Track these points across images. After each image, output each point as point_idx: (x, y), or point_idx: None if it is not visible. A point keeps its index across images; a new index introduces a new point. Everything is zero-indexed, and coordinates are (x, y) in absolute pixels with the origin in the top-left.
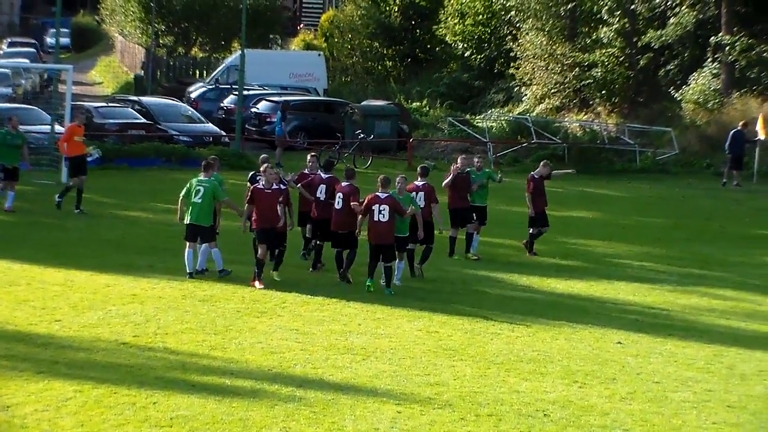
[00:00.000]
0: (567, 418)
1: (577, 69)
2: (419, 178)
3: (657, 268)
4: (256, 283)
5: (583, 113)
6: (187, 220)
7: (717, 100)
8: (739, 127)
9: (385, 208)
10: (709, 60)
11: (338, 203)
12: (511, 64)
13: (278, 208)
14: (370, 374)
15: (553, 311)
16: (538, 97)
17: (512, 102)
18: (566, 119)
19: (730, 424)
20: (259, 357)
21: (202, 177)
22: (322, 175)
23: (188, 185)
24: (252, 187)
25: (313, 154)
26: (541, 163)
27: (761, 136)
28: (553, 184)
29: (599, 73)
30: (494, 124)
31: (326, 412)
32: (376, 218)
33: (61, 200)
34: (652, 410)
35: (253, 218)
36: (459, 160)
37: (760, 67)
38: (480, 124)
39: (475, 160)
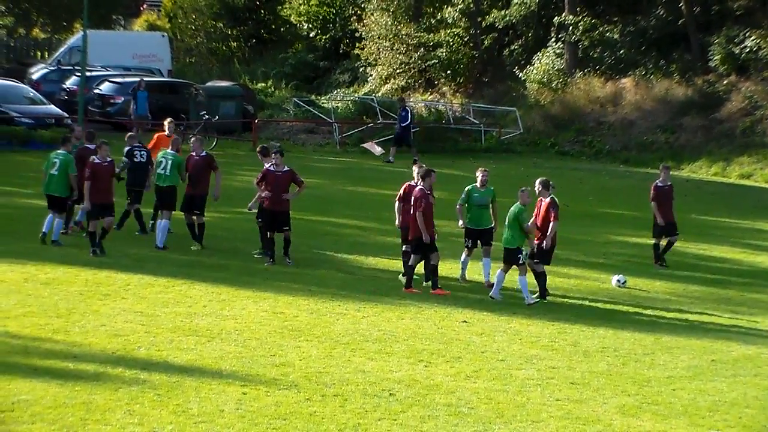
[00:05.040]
0: (413, 397)
1: (422, 49)
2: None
3: (501, 246)
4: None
5: (429, 93)
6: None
7: (561, 80)
8: (406, 105)
9: None
10: (553, 40)
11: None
12: (357, 45)
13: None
14: (216, 356)
15: (398, 291)
16: (383, 77)
17: (358, 82)
18: (411, 99)
19: (574, 400)
20: (102, 340)
21: (60, 150)
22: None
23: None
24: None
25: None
26: (661, 167)
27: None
28: (398, 165)
29: (444, 54)
30: (340, 104)
31: (171, 395)
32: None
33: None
34: (496, 388)
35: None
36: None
37: (602, 47)
38: (326, 105)
39: (479, 174)
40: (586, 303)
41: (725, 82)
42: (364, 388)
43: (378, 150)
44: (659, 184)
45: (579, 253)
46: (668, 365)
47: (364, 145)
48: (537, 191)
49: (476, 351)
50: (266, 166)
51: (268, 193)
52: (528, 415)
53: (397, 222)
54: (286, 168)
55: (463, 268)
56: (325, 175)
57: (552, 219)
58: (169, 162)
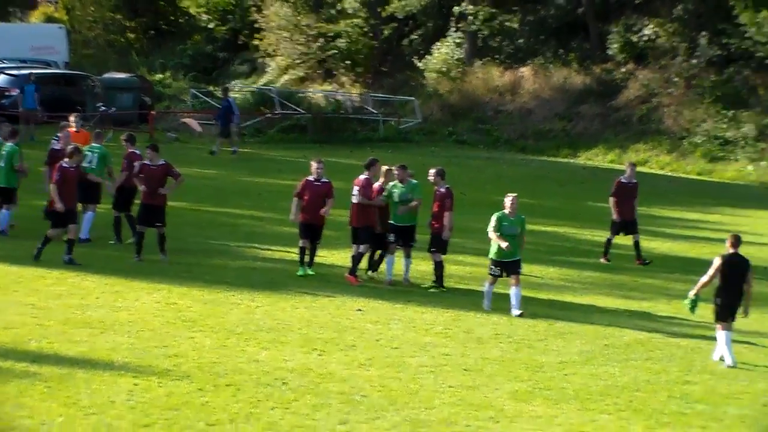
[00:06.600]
0: (306, 385)
1: (321, 40)
2: None
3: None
4: None
5: (328, 83)
6: None
7: (459, 69)
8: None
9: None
10: (453, 29)
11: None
12: (256, 36)
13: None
14: (108, 347)
15: (294, 281)
16: (282, 68)
17: (256, 73)
18: (310, 90)
19: (466, 386)
20: None
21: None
22: None
23: None
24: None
25: None
26: (627, 164)
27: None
28: (294, 154)
29: (343, 44)
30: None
31: (61, 387)
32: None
33: None
34: (390, 375)
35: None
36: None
37: (502, 36)
38: None
39: (393, 169)
40: (481, 290)
41: (623, 70)
42: (257, 378)
43: (196, 126)
44: (623, 181)
45: (474, 240)
46: (561, 351)
47: (185, 120)
48: (432, 180)
49: (370, 339)
50: (129, 150)
51: (144, 187)
52: (420, 401)
53: (291, 216)
54: (161, 161)
55: (389, 267)
56: (221, 166)
57: (447, 209)
58: (95, 156)
